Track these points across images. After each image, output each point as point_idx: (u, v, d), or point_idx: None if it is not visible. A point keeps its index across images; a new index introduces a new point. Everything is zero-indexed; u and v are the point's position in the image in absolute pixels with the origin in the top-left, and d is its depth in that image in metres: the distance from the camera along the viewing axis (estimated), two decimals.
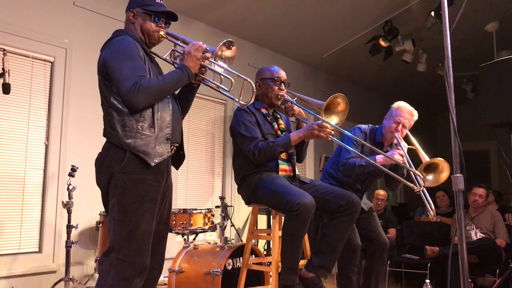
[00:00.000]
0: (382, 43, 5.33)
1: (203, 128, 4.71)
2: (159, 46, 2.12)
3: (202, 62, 2.00)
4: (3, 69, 2.39)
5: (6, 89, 2.40)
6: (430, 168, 2.78)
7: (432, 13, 4.99)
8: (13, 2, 3.34)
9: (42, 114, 3.48)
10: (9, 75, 2.41)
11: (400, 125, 2.93)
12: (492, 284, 4.06)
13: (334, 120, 2.59)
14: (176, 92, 2.15)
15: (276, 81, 2.72)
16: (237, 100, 2.06)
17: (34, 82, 3.44)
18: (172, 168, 2.14)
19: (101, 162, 1.93)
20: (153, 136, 1.91)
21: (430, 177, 2.77)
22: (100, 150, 1.95)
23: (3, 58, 2.40)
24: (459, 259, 1.81)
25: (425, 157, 2.84)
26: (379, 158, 2.83)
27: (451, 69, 1.89)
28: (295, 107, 2.71)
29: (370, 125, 3.10)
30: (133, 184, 1.86)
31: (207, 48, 2.00)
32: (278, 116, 2.85)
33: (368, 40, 5.43)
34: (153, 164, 1.88)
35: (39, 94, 3.47)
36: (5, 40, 3.22)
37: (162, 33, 2.07)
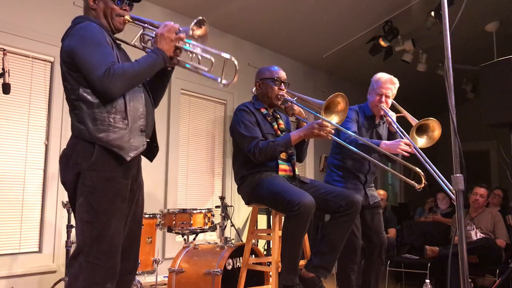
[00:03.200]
0: (382, 43, 5.33)
1: (203, 128, 4.71)
2: (124, 32, 2.01)
3: (177, 44, 1.86)
4: (3, 69, 2.39)
5: (6, 89, 2.40)
6: (422, 129, 2.82)
7: (432, 13, 4.98)
8: (13, 2, 3.34)
9: (42, 114, 3.47)
10: (9, 75, 2.41)
11: (383, 96, 2.94)
12: (492, 284, 4.06)
13: (334, 119, 2.59)
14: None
15: (276, 81, 2.73)
16: (219, 80, 1.91)
17: (34, 82, 3.44)
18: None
19: (67, 159, 1.80)
20: (127, 128, 1.79)
21: (423, 139, 2.82)
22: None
23: (3, 58, 2.40)
24: (459, 259, 1.80)
25: (415, 121, 2.86)
26: (383, 144, 2.80)
27: (451, 69, 1.89)
28: (295, 107, 2.71)
29: (357, 105, 3.11)
30: (102, 183, 1.75)
31: (180, 29, 1.86)
32: (278, 116, 2.86)
33: (368, 40, 5.42)
34: (128, 158, 1.77)
35: (39, 94, 3.46)
36: (5, 40, 3.22)
37: (127, 17, 1.93)
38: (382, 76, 2.99)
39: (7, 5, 3.30)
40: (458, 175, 1.83)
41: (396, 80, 3.00)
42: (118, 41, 1.99)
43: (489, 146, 8.41)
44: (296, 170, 2.76)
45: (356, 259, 2.98)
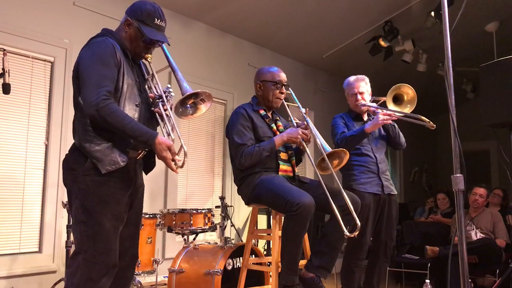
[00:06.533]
0: (382, 43, 5.32)
1: (203, 128, 4.71)
2: None
3: (165, 153, 1.87)
4: (3, 69, 2.39)
5: (6, 89, 2.40)
6: (399, 99, 3.06)
7: (432, 13, 4.98)
8: (13, 2, 3.34)
9: (42, 114, 3.47)
10: (9, 75, 2.41)
11: (358, 94, 3.14)
12: (492, 284, 4.06)
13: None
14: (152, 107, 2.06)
15: (278, 84, 2.74)
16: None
17: (34, 82, 3.44)
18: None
19: (66, 164, 1.94)
20: (110, 143, 1.88)
21: (407, 106, 3.06)
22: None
23: (3, 58, 2.40)
24: (459, 259, 1.81)
25: (390, 99, 3.07)
26: (367, 126, 2.97)
27: (451, 69, 1.89)
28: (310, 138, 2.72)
29: (342, 113, 3.29)
30: (95, 186, 1.85)
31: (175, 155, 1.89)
32: (277, 118, 2.86)
33: (368, 40, 5.42)
34: (103, 171, 1.84)
35: (39, 94, 3.46)
36: (5, 40, 3.22)
37: (149, 59, 2.07)
38: (349, 78, 3.23)
39: (7, 5, 3.30)
40: (458, 175, 1.83)
41: (363, 77, 3.21)
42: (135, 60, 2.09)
43: (489, 146, 8.41)
44: (296, 170, 2.76)
45: (361, 256, 2.99)
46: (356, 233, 2.40)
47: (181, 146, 1.88)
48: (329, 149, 2.60)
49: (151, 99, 2.04)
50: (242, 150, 2.58)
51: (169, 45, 2.11)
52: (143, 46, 2.03)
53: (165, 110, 1.99)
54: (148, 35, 1.97)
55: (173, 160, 1.86)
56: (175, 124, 1.99)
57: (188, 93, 1.94)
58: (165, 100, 2.00)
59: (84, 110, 1.85)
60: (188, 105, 2.00)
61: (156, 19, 2.02)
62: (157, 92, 2.05)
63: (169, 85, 2.08)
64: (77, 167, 1.88)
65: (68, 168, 1.92)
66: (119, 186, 1.91)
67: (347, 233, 2.39)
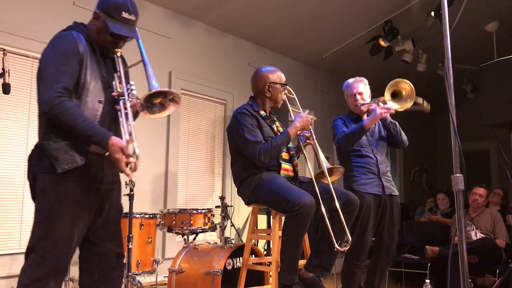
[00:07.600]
0: (382, 43, 5.32)
1: (203, 128, 4.71)
2: None
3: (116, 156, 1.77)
4: (3, 69, 2.38)
5: (6, 89, 2.40)
6: (397, 95, 3.06)
7: (432, 13, 4.98)
8: (13, 2, 3.34)
9: None
10: (9, 75, 2.41)
11: (357, 95, 3.17)
12: (492, 284, 4.06)
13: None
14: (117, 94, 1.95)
15: (284, 85, 2.77)
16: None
17: (34, 82, 3.42)
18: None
19: (29, 160, 1.90)
20: (67, 141, 1.80)
21: (407, 101, 3.04)
22: None
23: (3, 58, 2.39)
24: (459, 259, 1.81)
25: (389, 96, 3.06)
26: (365, 121, 2.99)
27: (451, 69, 1.90)
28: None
29: (341, 115, 3.33)
30: (52, 185, 1.80)
31: (133, 155, 1.77)
32: (275, 118, 2.87)
33: (368, 40, 5.42)
34: (59, 170, 1.77)
35: None
36: (5, 40, 3.22)
37: (118, 54, 1.96)
38: (348, 80, 3.25)
39: (7, 5, 3.30)
40: (458, 175, 1.83)
41: (362, 78, 3.23)
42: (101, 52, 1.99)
43: (489, 146, 8.40)
44: (297, 170, 2.77)
45: (362, 257, 2.99)
46: (347, 248, 2.43)
47: (134, 149, 1.76)
48: (328, 164, 2.64)
49: (115, 97, 1.93)
50: (259, 147, 2.56)
51: (138, 40, 1.95)
52: (111, 40, 1.92)
53: (125, 108, 1.87)
54: (112, 29, 1.85)
55: (128, 162, 1.75)
56: (132, 124, 1.86)
57: (153, 91, 1.82)
58: (126, 97, 1.89)
59: (40, 102, 1.80)
60: (155, 104, 1.88)
61: (123, 12, 1.88)
62: (121, 89, 1.94)
63: (131, 82, 1.97)
64: (37, 164, 1.82)
65: (30, 165, 1.87)
66: (80, 186, 1.83)
67: (337, 247, 2.40)
